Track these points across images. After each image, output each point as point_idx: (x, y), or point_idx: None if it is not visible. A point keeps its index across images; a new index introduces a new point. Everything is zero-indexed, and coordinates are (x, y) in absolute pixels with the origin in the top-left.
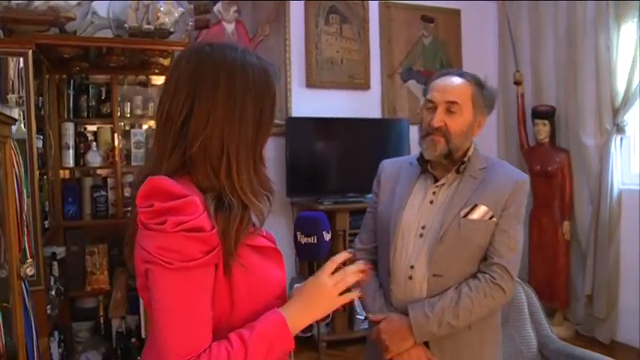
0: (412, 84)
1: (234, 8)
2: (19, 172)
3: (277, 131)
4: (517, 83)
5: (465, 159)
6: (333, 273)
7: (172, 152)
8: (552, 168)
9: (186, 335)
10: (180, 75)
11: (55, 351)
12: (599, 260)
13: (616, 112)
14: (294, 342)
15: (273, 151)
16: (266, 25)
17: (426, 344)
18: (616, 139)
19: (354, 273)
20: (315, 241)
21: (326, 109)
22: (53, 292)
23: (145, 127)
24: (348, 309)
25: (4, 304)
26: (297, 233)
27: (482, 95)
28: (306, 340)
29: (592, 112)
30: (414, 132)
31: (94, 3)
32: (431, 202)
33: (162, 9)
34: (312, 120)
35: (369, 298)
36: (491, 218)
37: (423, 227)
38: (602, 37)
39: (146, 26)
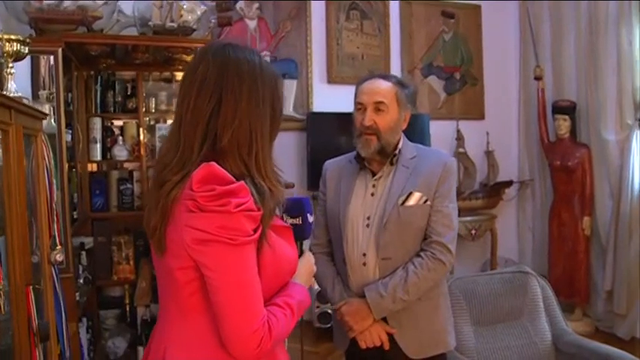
0: (433, 79)
1: (256, 5)
2: (50, 164)
3: (298, 126)
4: (537, 78)
5: (397, 151)
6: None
7: (203, 143)
8: (572, 163)
9: (256, 305)
10: (206, 71)
11: (84, 336)
12: (620, 256)
13: (637, 106)
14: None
15: (294, 145)
16: (287, 21)
17: (385, 320)
18: (637, 134)
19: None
20: (300, 222)
21: (347, 105)
22: (81, 280)
23: (169, 122)
24: None
25: (37, 286)
26: (284, 215)
27: (404, 94)
28: (326, 331)
29: (613, 106)
30: (434, 127)
31: (119, 2)
32: (372, 195)
33: (185, 7)
34: (332, 115)
35: (328, 286)
36: (425, 202)
37: (368, 218)
38: (624, 32)
39: (170, 24)
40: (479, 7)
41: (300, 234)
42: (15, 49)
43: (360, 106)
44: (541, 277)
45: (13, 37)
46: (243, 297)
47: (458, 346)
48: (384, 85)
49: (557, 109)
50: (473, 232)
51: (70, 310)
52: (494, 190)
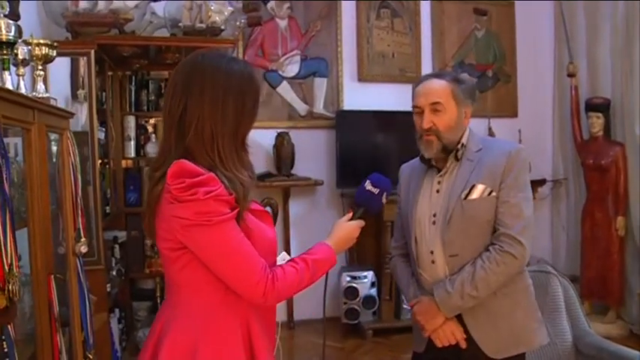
0: (464, 77)
1: (286, 5)
2: (75, 160)
3: (328, 124)
4: (570, 75)
5: (459, 146)
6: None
7: (177, 142)
8: (606, 162)
9: (249, 264)
10: (176, 78)
11: (115, 326)
12: None
13: None
14: (336, 260)
15: (324, 143)
16: (318, 20)
17: (462, 320)
18: None
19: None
20: (377, 192)
21: (377, 103)
22: (114, 273)
23: None
24: (395, 300)
25: (58, 275)
26: (367, 181)
27: (461, 90)
28: (353, 328)
29: None
30: None
31: (153, 4)
32: (437, 192)
33: (213, 8)
34: (362, 113)
35: (404, 286)
36: (490, 194)
37: (434, 215)
38: None
39: (199, 25)
40: (512, 3)
41: (369, 201)
42: (44, 52)
43: (417, 109)
44: (561, 275)
45: (42, 41)
46: (235, 261)
47: None
48: (438, 85)
49: (591, 107)
50: None
51: (100, 301)
52: None
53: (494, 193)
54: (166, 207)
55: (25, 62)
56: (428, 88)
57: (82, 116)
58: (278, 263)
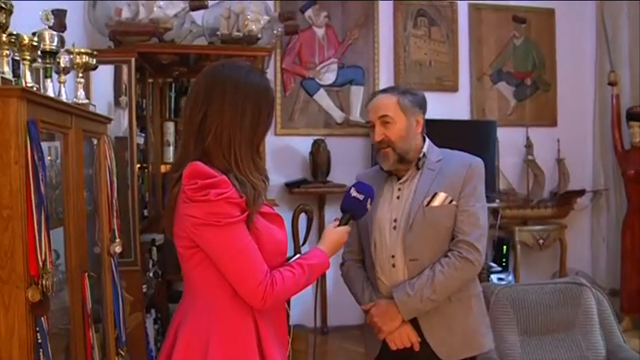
0: (502, 85)
1: (324, 14)
2: (111, 164)
3: (364, 132)
4: (612, 84)
5: (421, 155)
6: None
7: (195, 146)
8: None
9: (253, 267)
10: (198, 87)
11: (151, 326)
12: None
13: None
14: (329, 265)
15: (359, 151)
16: (355, 29)
17: (417, 325)
18: None
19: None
20: (362, 199)
21: None
22: (151, 274)
23: None
24: None
25: (92, 274)
26: (353, 188)
27: (409, 100)
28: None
29: None
30: (502, 134)
31: (193, 13)
32: (397, 198)
33: (249, 17)
34: None
35: (358, 290)
36: (450, 202)
37: (395, 220)
38: None
39: (236, 33)
40: (552, 10)
41: (354, 206)
42: (84, 60)
43: (370, 124)
44: (596, 288)
45: (82, 50)
46: (239, 263)
47: (502, 355)
48: (384, 99)
49: (632, 116)
50: (540, 241)
51: (136, 301)
52: (564, 199)
53: (454, 202)
54: (181, 206)
55: (66, 70)
56: (376, 103)
57: (123, 122)
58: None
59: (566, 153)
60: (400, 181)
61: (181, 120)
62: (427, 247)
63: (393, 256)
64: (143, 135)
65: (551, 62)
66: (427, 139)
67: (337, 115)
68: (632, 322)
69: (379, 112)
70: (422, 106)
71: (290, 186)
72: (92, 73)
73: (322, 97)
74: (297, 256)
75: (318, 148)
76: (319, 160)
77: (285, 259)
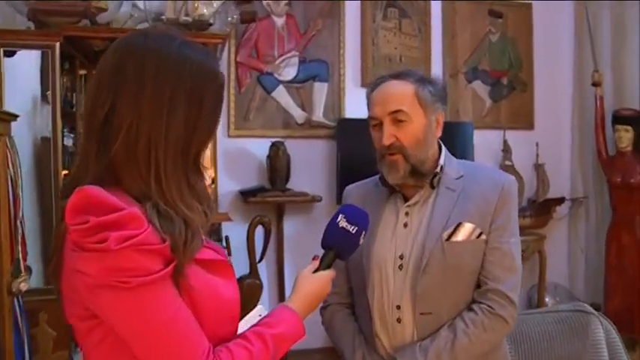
0: (477, 85)
1: (284, 1)
2: (15, 173)
3: (328, 133)
4: (596, 84)
5: (438, 169)
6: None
7: (97, 156)
8: (635, 180)
9: (185, 340)
10: (105, 66)
11: None
12: None
13: None
14: (304, 331)
15: (323, 155)
16: (319, 19)
17: None
18: None
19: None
20: (353, 232)
21: None
22: None
23: None
24: None
25: None
26: (341, 216)
27: (428, 92)
28: None
29: None
30: (478, 137)
31: None
32: (405, 226)
33: None
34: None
35: (346, 348)
36: (479, 236)
37: (401, 257)
38: None
39: (184, 18)
40: (529, 5)
41: (342, 242)
42: None
43: (374, 121)
44: (603, 317)
45: None
46: (164, 342)
47: None
48: (398, 88)
49: (619, 119)
50: None
51: (61, 337)
52: (543, 208)
53: (483, 236)
54: (68, 255)
55: None
56: (386, 93)
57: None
58: (251, 321)
59: (545, 158)
60: (408, 204)
61: None
62: (445, 298)
63: (398, 307)
64: (72, 136)
65: (528, 61)
66: (444, 147)
67: (298, 114)
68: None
69: (391, 106)
70: (444, 100)
71: (245, 194)
72: (9, 61)
73: (281, 95)
74: (256, 315)
75: (276, 151)
76: (278, 165)
77: (237, 327)
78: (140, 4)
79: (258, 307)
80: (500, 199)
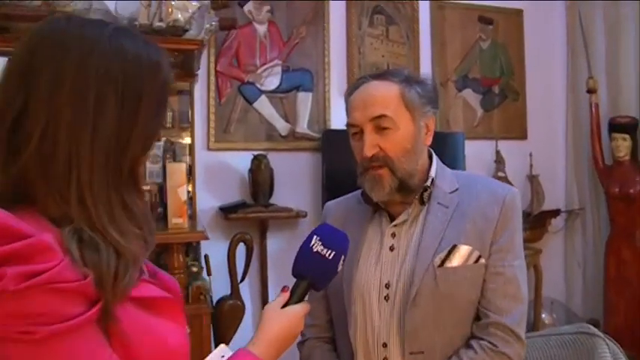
0: (468, 93)
1: (266, 8)
2: None
3: (313, 145)
4: (590, 91)
5: (428, 182)
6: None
7: (3, 165)
8: (635, 190)
9: None
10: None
11: None
12: None
13: None
14: None
15: (307, 168)
16: (302, 26)
17: None
18: None
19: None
20: (330, 257)
21: None
22: None
23: (163, 139)
24: None
25: None
26: (315, 238)
27: (416, 93)
28: None
29: None
30: (470, 148)
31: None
32: (391, 249)
33: (174, 4)
34: None
35: None
36: (477, 260)
37: (387, 286)
38: None
39: (158, 24)
40: (521, 11)
41: (316, 270)
42: None
43: (354, 129)
44: (609, 339)
45: None
46: None
47: None
48: (380, 90)
49: (615, 127)
50: None
51: None
52: (538, 221)
53: (482, 260)
54: None
55: None
56: (366, 95)
57: None
58: None
59: (539, 169)
60: (395, 223)
61: None
62: (438, 333)
63: (384, 345)
64: None
65: (519, 68)
66: (435, 157)
67: (281, 126)
68: None
69: (373, 111)
70: (434, 103)
71: (225, 211)
72: None
73: (264, 105)
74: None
75: (258, 165)
76: (260, 180)
77: None
78: (110, 5)
79: (221, 346)
80: (501, 214)
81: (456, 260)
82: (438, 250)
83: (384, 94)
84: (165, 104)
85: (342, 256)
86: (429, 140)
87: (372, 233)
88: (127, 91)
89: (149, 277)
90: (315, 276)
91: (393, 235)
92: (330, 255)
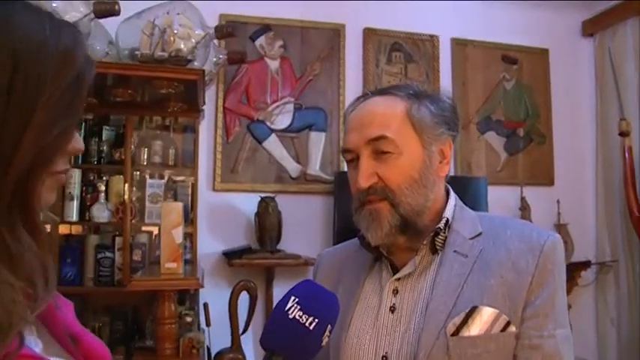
0: (491, 136)
1: (279, 43)
2: None
3: (324, 189)
4: (623, 134)
5: (441, 223)
6: None
7: None
8: None
9: None
10: None
11: None
12: None
13: None
14: None
15: (319, 212)
16: (316, 62)
17: None
18: None
19: None
20: (311, 327)
21: None
22: None
23: (166, 177)
24: None
25: None
26: (292, 299)
27: (428, 109)
28: None
29: None
30: (493, 194)
31: (102, 20)
32: (392, 310)
33: (177, 33)
34: None
35: None
36: (506, 328)
37: (385, 358)
38: None
39: (160, 53)
40: (546, 50)
41: (289, 342)
42: None
43: (349, 154)
44: None
45: None
46: None
47: None
48: (381, 106)
49: None
50: None
51: None
52: (567, 273)
53: (513, 327)
54: None
55: None
56: (365, 113)
57: None
58: None
59: (567, 217)
60: (398, 276)
61: (91, 167)
62: None
63: None
64: None
65: (545, 110)
66: (452, 193)
67: (292, 167)
68: None
69: (371, 132)
70: (451, 124)
71: (229, 256)
72: None
73: (274, 145)
74: None
75: (266, 208)
76: (267, 224)
77: None
78: (111, 32)
79: None
80: (538, 268)
81: (476, 327)
82: (452, 314)
83: (385, 111)
84: (80, 106)
85: (329, 326)
86: (445, 170)
87: (369, 288)
88: (16, 81)
89: (62, 346)
90: (290, 351)
91: (395, 291)
92: (311, 324)
